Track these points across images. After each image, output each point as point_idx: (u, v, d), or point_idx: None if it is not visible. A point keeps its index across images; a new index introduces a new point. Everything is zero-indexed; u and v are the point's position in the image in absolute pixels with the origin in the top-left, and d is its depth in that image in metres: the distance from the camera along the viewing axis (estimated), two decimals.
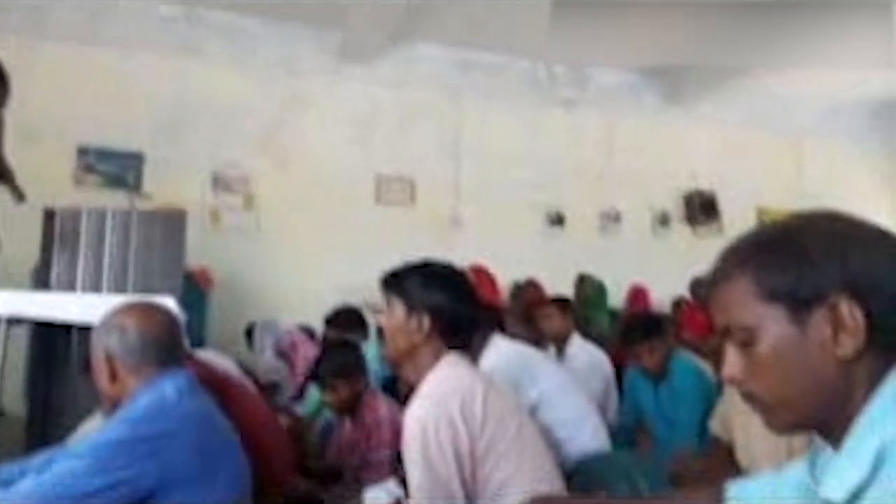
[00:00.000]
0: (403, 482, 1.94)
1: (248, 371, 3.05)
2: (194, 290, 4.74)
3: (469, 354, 1.83)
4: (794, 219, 0.88)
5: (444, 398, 1.53)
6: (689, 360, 2.95)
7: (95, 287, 3.04)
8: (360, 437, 2.51)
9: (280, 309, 5.27)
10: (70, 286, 3.00)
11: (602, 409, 3.25)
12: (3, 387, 3.13)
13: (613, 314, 5.64)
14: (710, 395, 2.69)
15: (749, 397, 0.87)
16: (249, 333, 4.84)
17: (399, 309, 1.64)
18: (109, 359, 1.61)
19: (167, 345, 1.65)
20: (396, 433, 2.46)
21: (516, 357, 2.24)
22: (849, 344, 0.79)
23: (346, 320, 3.44)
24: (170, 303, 2.98)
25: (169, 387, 1.59)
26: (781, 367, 0.82)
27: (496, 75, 6.26)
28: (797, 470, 0.97)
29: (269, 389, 3.66)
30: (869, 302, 0.79)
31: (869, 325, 0.78)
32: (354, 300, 5.44)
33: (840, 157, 7.29)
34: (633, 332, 2.91)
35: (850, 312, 0.79)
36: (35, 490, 1.39)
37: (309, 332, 4.40)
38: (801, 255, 0.81)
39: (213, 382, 1.86)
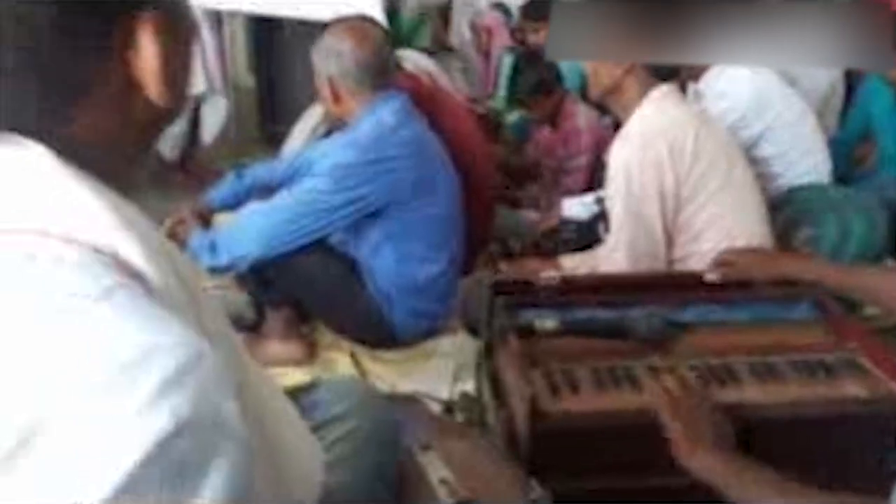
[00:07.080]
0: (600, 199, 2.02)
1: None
2: None
3: (679, 80, 1.70)
4: None
5: (650, 139, 1.48)
6: None
7: None
8: (557, 142, 2.56)
9: None
10: None
11: (821, 113, 2.95)
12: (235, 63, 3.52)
13: None
14: None
15: None
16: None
17: None
18: (331, 82, 1.71)
19: (381, 68, 1.71)
20: (594, 141, 2.47)
21: (749, 86, 2.00)
22: None
23: (540, 12, 3.24)
24: (377, 11, 2.96)
25: (387, 112, 1.69)
26: None
27: None
28: None
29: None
30: None
31: None
32: None
33: None
34: None
35: None
36: (288, 204, 1.64)
37: (505, 11, 4.24)
38: None
39: (422, 97, 1.93)
